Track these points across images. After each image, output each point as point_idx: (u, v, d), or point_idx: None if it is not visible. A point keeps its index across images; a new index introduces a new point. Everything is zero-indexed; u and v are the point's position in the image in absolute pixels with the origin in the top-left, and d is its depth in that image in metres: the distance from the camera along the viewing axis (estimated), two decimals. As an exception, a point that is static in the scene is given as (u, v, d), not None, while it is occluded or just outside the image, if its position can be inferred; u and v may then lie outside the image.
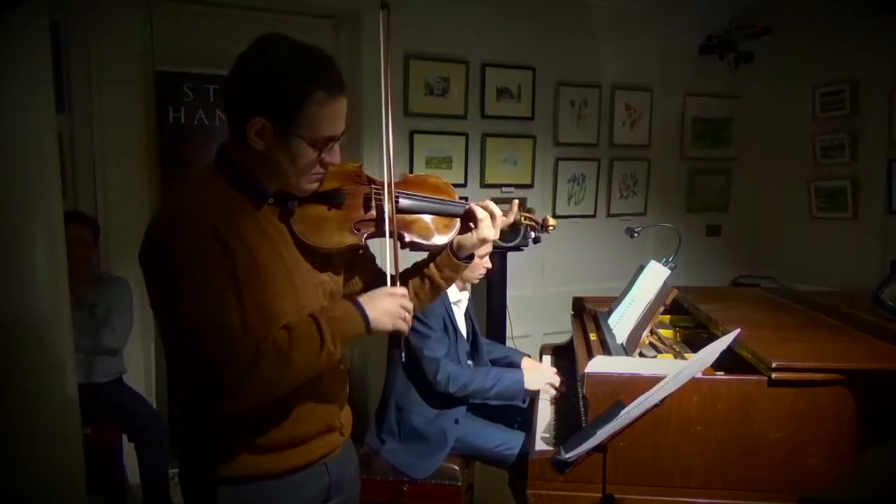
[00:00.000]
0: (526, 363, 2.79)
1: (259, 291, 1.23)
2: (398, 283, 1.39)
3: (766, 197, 4.67)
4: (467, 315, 2.72)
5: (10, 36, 1.93)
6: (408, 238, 1.42)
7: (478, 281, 2.64)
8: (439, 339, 2.48)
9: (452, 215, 1.47)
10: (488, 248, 2.39)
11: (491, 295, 3.66)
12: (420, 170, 3.79)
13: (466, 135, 3.94)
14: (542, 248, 4.27)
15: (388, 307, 1.30)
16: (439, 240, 1.45)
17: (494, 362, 2.85)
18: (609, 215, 4.43)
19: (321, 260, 1.37)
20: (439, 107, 3.84)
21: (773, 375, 1.69)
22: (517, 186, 4.13)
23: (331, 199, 1.34)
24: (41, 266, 2.04)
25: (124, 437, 3.01)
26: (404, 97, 3.75)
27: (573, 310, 3.04)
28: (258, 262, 1.24)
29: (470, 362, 2.71)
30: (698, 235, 4.63)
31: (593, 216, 4.38)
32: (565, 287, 3.95)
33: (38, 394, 2.03)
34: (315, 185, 1.31)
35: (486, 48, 3.93)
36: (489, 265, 2.58)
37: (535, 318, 4.08)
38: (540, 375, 2.52)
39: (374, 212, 1.38)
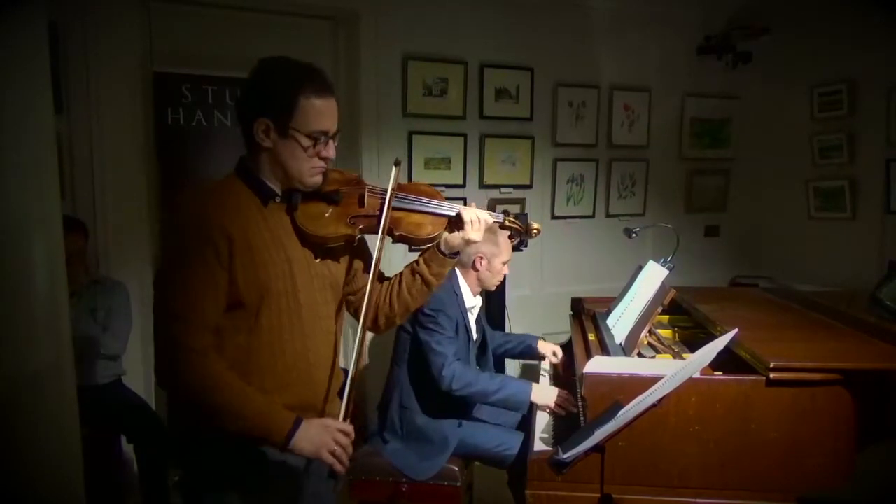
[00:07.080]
0: (542, 346, 2.84)
1: (254, 272, 1.46)
2: (377, 274, 1.58)
3: (765, 197, 4.67)
4: (478, 322, 2.73)
5: (8, 37, 1.93)
6: (396, 233, 1.61)
7: (495, 288, 2.66)
8: (450, 338, 2.46)
9: (438, 216, 1.65)
10: (508, 255, 2.60)
11: (490, 295, 3.67)
12: (419, 170, 3.78)
13: (465, 135, 3.94)
14: (541, 249, 4.31)
15: (315, 436, 1.44)
16: (425, 235, 1.63)
17: (509, 351, 2.91)
18: (608, 216, 4.43)
19: (322, 252, 1.58)
20: (438, 107, 3.83)
21: (772, 375, 1.70)
22: (516, 187, 4.13)
23: (329, 197, 1.56)
24: (40, 267, 2.03)
25: (123, 439, 3.01)
26: (403, 98, 3.73)
27: (572, 310, 3.05)
28: (254, 250, 1.47)
29: (477, 367, 2.72)
30: (697, 236, 4.63)
31: (592, 217, 4.38)
32: (564, 287, 3.96)
33: (37, 395, 2.03)
34: (318, 179, 1.52)
35: (485, 49, 3.93)
36: (507, 272, 2.66)
37: (533, 318, 4.08)
38: (550, 392, 2.41)
39: (367, 208, 1.58)
